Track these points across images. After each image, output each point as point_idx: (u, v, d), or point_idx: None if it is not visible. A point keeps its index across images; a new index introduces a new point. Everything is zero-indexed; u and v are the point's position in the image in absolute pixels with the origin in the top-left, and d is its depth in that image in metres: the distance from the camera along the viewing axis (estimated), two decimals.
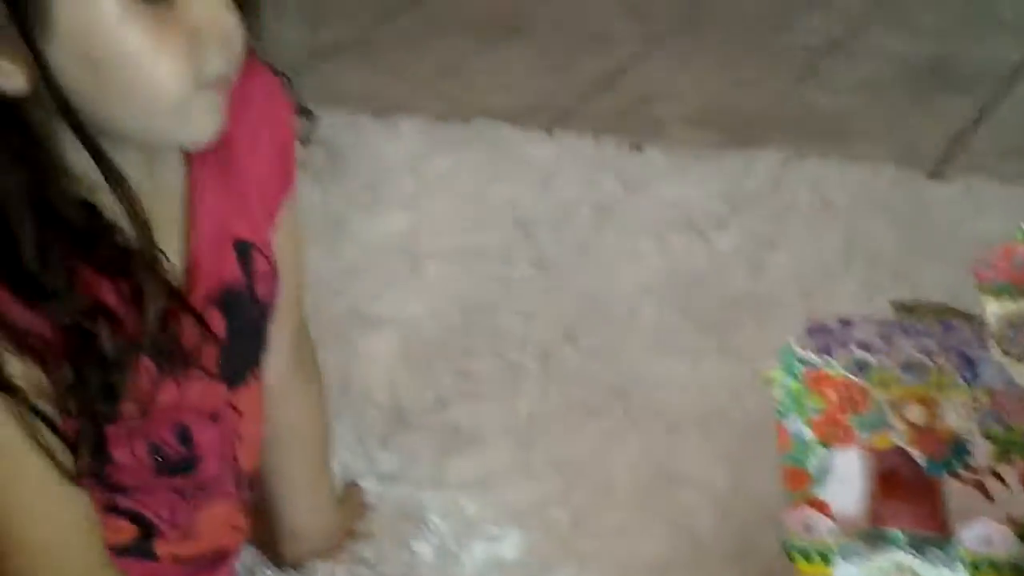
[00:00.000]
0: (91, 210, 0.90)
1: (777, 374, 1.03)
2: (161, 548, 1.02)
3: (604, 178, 1.74)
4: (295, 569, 1.19)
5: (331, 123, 1.88)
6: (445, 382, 1.42)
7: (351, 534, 1.22)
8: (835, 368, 1.03)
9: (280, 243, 1.05)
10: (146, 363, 0.93)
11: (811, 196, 1.68)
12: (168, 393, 0.96)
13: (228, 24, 0.88)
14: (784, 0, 2.22)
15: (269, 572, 1.18)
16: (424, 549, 1.21)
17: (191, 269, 0.97)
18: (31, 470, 0.91)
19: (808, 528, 1.03)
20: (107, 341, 0.90)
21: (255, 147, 1.01)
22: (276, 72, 1.02)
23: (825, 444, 1.04)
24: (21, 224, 0.86)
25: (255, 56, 0.96)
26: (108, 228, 0.90)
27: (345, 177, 1.80)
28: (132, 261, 0.91)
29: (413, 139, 1.85)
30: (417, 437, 1.35)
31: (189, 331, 0.94)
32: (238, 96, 0.93)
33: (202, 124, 0.91)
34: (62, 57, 0.86)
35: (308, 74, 2.13)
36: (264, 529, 1.18)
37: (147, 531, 1.01)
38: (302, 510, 1.19)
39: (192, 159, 0.97)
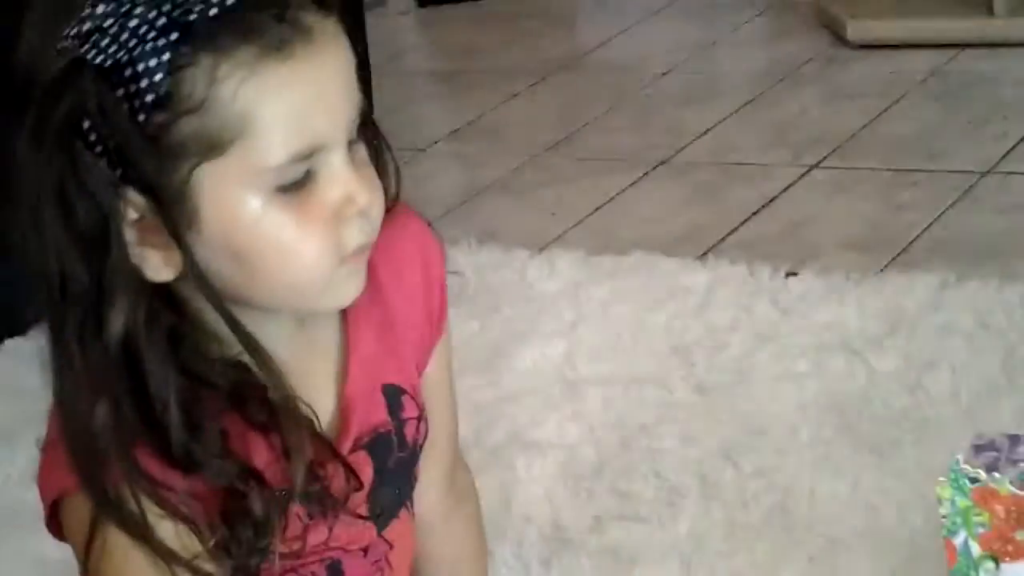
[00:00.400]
0: (242, 370, 0.92)
1: (946, 491, 1.03)
2: None
3: (759, 303, 1.74)
4: None
5: (488, 258, 1.95)
6: (605, 503, 1.42)
7: None
8: (1003, 484, 1.02)
9: (432, 381, 1.06)
10: (296, 508, 0.95)
11: (970, 318, 1.66)
12: (319, 534, 0.98)
13: (365, 198, 0.90)
14: (936, 123, 2.22)
15: None
16: None
17: (343, 415, 0.99)
18: None
19: None
20: (257, 502, 0.92)
21: (408, 295, 1.03)
22: (421, 217, 1.04)
23: (994, 559, 1.03)
24: (167, 398, 0.89)
25: (402, 205, 0.98)
26: (257, 387, 0.92)
27: (503, 308, 1.83)
28: (280, 417, 0.92)
29: (569, 271, 1.89)
30: (578, 558, 1.35)
31: (338, 478, 0.96)
32: (388, 245, 0.96)
33: (345, 291, 0.93)
34: (208, 249, 0.88)
35: (465, 213, 2.19)
36: None
37: None
38: None
39: (346, 310, 0.99)
